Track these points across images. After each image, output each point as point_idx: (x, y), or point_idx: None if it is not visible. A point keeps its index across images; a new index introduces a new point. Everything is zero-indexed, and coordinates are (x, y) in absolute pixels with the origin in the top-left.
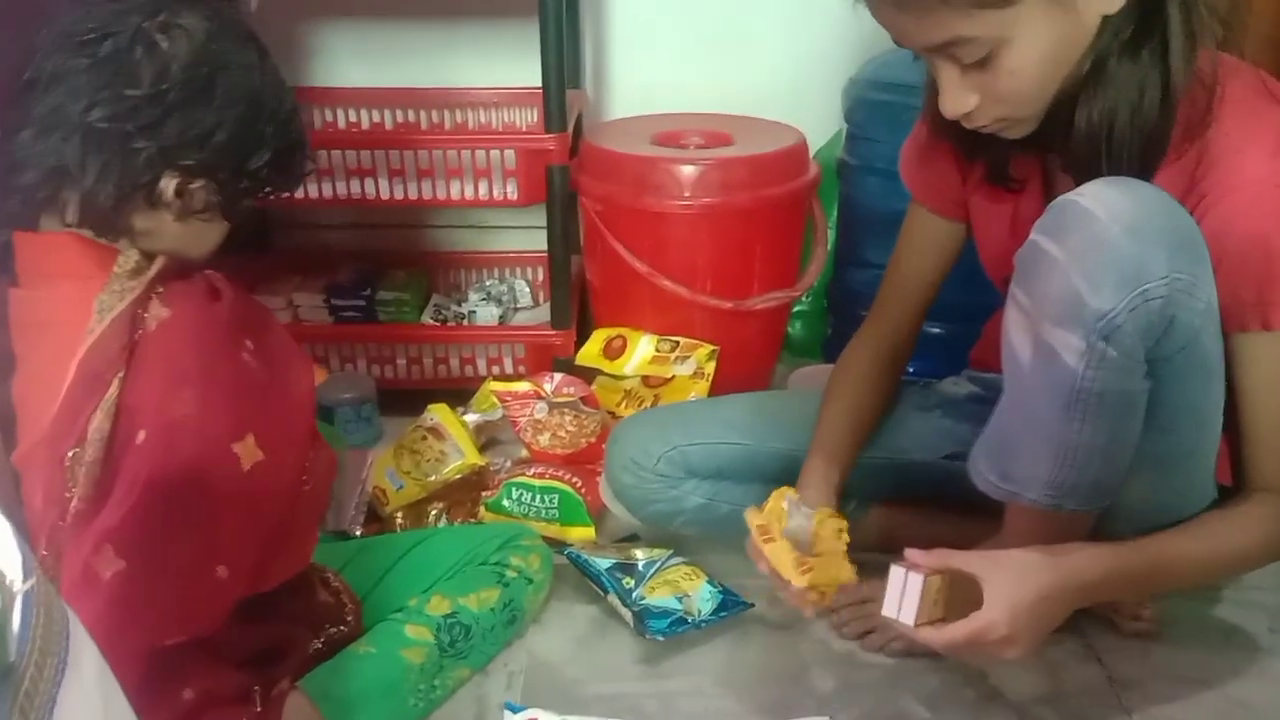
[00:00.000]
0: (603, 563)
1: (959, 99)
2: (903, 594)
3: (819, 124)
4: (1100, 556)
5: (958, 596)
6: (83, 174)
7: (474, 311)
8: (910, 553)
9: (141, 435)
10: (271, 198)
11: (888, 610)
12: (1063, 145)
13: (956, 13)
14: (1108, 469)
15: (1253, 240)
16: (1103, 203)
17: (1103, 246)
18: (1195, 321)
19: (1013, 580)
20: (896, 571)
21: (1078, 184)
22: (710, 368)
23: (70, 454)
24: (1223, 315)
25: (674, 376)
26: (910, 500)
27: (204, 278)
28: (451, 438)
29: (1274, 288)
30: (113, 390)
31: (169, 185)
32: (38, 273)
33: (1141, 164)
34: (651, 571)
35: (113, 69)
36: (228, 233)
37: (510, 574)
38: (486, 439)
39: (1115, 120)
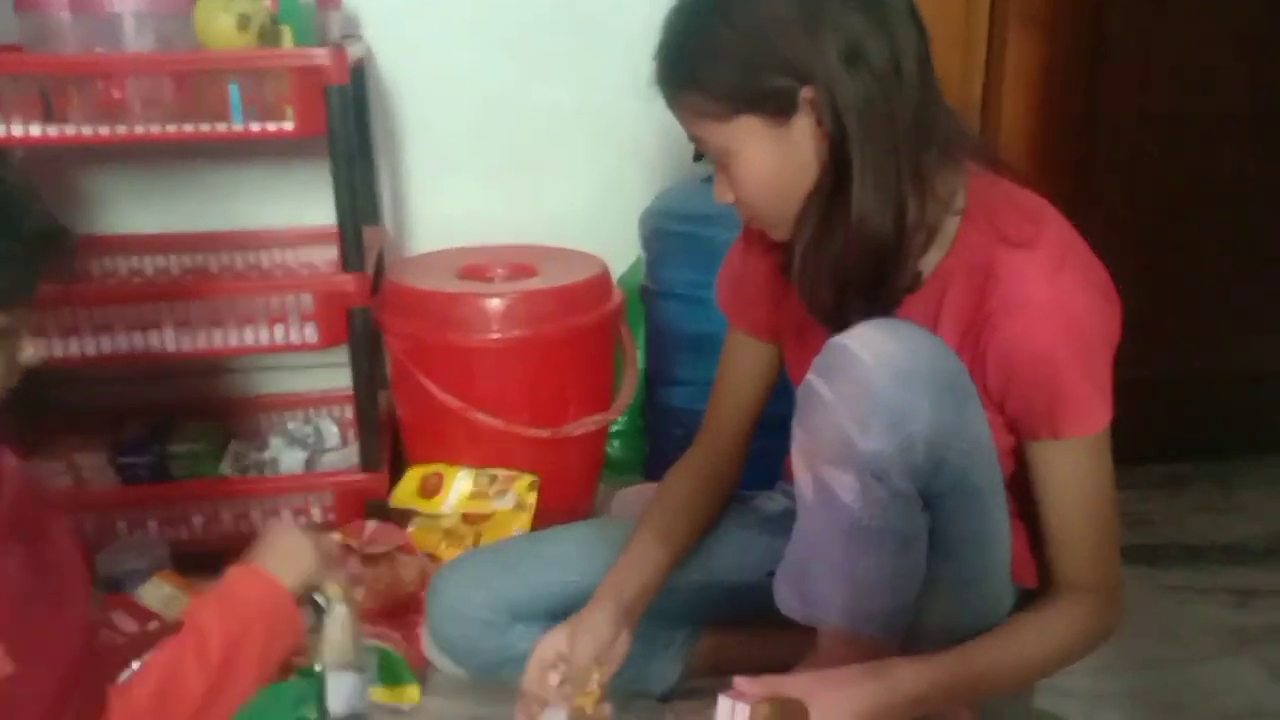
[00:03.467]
0: None
1: (720, 192)
2: None
3: (620, 251)
4: (921, 671)
5: (789, 719)
6: None
7: (276, 458)
8: (739, 681)
9: None
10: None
11: None
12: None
13: (687, 113)
14: (898, 598)
15: (1038, 358)
16: (869, 347)
17: (869, 391)
18: (963, 461)
19: (837, 701)
20: (724, 702)
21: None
22: (532, 499)
23: None
24: (1017, 425)
25: (495, 511)
26: (741, 622)
27: None
28: None
29: (1061, 401)
30: None
31: None
32: None
33: (861, 301)
34: None
35: None
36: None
37: None
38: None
39: (815, 254)
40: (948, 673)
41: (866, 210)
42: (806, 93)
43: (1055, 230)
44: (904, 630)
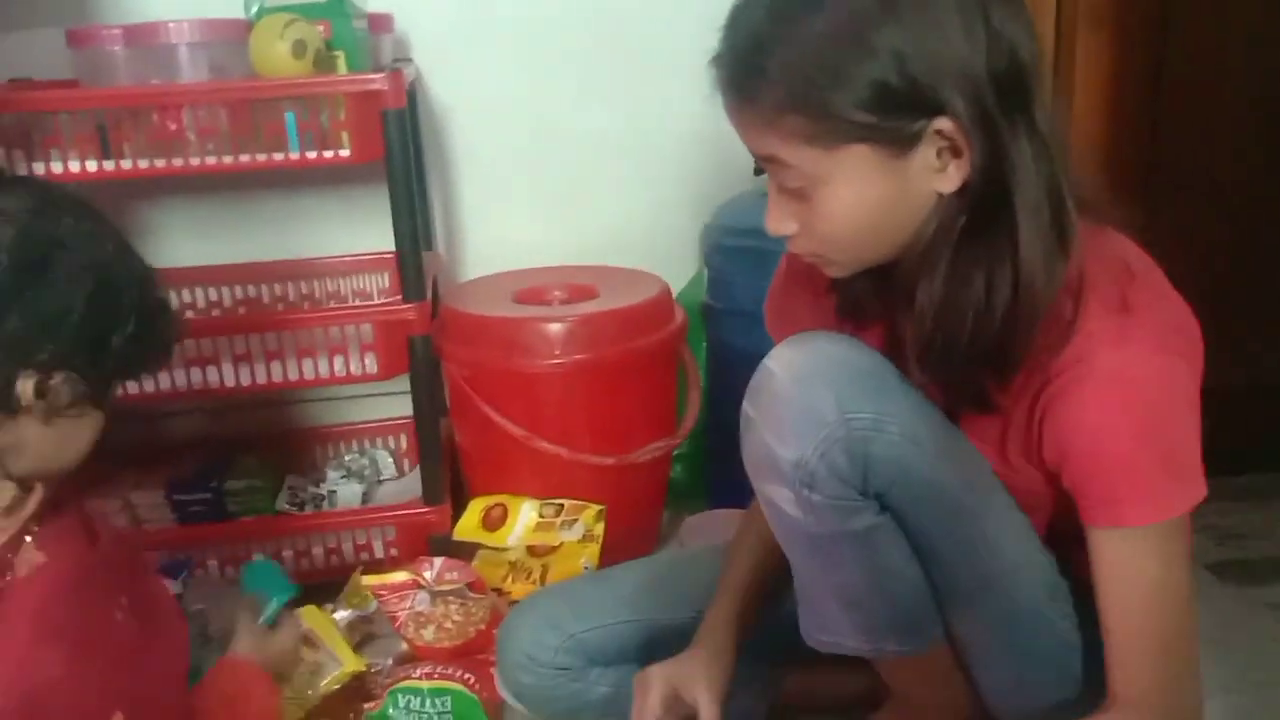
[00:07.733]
0: None
1: (778, 221)
2: None
3: (678, 267)
4: None
5: None
6: None
7: (334, 491)
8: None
9: None
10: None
11: None
12: (905, 317)
13: (780, 138)
14: (896, 605)
15: (1100, 432)
16: (779, 359)
17: (779, 401)
18: (895, 453)
19: None
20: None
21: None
22: (600, 529)
23: None
24: (1078, 506)
25: (562, 543)
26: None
27: (79, 513)
28: (325, 645)
29: (1122, 482)
30: None
31: (27, 386)
32: None
33: (985, 365)
34: None
35: None
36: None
37: None
38: (361, 636)
39: (950, 309)
40: None
41: (1034, 270)
42: (944, 124)
43: (1135, 283)
44: (930, 642)
